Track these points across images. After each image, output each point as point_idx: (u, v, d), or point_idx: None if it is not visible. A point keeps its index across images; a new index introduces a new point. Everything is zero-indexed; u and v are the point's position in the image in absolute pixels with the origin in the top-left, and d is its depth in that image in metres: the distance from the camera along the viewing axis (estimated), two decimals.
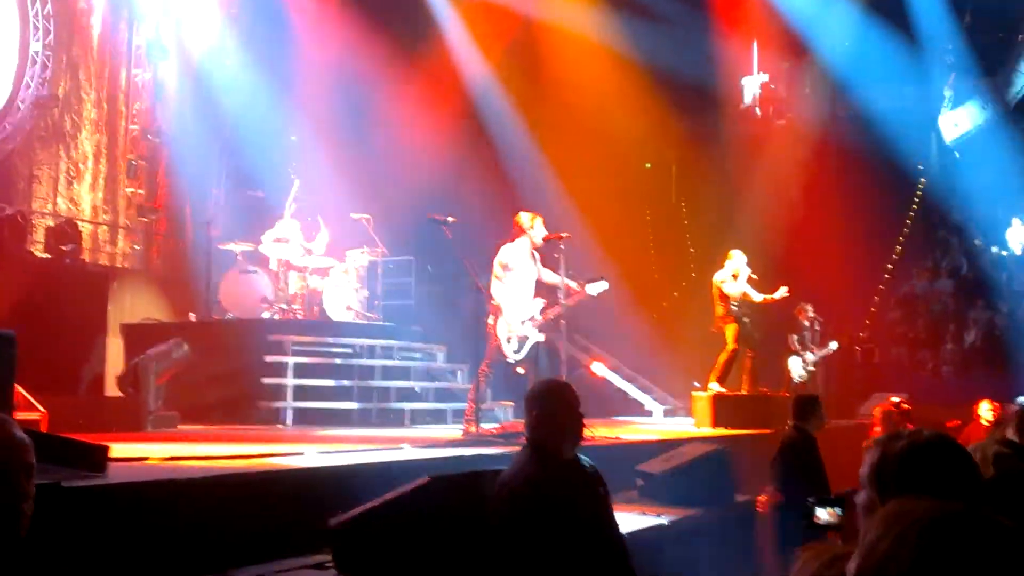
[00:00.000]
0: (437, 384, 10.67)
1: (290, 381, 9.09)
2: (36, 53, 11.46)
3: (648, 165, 16.57)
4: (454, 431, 7.57)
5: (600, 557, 3.47)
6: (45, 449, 2.90)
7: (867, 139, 14.96)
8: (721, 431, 9.27)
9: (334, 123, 12.96)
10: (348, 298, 10.56)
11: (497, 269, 7.35)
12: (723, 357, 10.03)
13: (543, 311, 7.31)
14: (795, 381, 11.38)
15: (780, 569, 5.46)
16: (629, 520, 4.91)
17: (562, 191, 13.54)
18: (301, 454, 5.25)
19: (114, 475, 3.86)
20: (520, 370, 7.35)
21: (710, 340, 10.52)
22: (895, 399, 8.04)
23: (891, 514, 1.18)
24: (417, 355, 10.84)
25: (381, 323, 10.93)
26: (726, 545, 5.84)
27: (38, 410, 6.32)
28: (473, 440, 6.48)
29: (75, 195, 12.13)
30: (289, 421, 8.92)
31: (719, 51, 15.09)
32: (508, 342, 7.26)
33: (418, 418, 9.81)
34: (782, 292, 10.02)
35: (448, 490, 3.77)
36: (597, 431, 6.86)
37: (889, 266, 16.24)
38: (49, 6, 11.60)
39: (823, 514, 2.13)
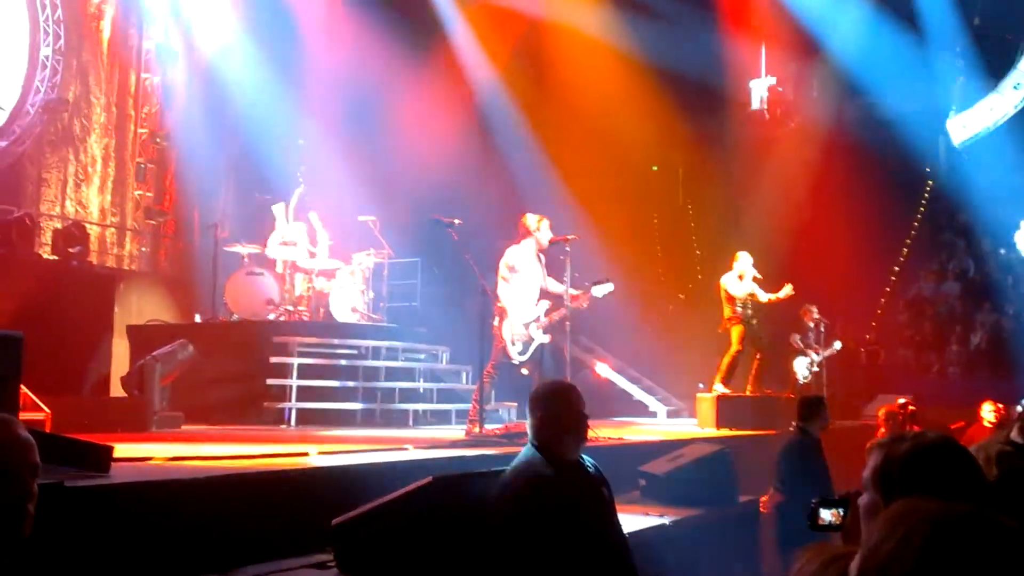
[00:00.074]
0: (441, 385, 10.67)
1: (295, 382, 9.11)
2: (46, 58, 11.53)
3: (655, 167, 16.57)
4: (458, 432, 7.55)
5: (603, 558, 3.46)
6: (49, 449, 2.92)
7: (875, 141, 14.93)
8: (724, 432, 9.26)
9: (341, 125, 12.98)
10: (354, 300, 10.57)
11: (503, 271, 7.34)
12: (727, 358, 10.02)
13: (548, 313, 7.31)
14: (800, 382, 11.35)
15: (782, 570, 5.45)
16: (632, 520, 4.89)
17: (568, 193, 13.53)
18: (307, 455, 5.26)
19: (118, 475, 3.87)
20: (525, 371, 7.35)
21: (716, 342, 10.50)
22: (901, 400, 8.03)
23: (896, 515, 1.17)
24: (422, 356, 10.84)
25: (386, 324, 10.94)
26: (728, 546, 5.83)
27: (43, 410, 6.33)
28: (476, 441, 6.47)
29: (83, 198, 12.19)
30: (293, 422, 8.93)
31: (726, 53, 15.05)
32: (513, 343, 7.25)
33: (422, 419, 9.82)
34: (787, 290, 10.00)
35: (451, 490, 3.75)
36: (601, 432, 6.85)
37: (896, 268, 16.20)
38: (60, 11, 11.66)
39: (826, 515, 2.12)
